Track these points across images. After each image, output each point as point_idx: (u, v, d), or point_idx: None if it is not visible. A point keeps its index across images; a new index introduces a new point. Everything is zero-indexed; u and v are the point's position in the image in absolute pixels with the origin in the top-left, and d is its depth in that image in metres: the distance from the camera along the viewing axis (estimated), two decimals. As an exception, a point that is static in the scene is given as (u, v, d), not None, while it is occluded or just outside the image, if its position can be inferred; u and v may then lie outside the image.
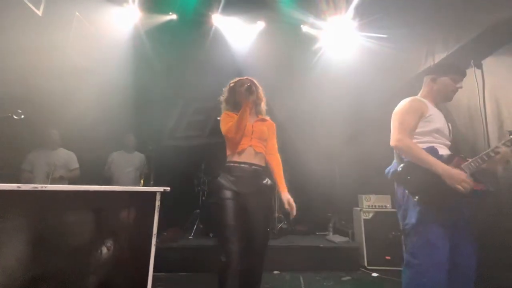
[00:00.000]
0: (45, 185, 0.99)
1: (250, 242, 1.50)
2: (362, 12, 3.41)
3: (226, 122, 1.63)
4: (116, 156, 3.44)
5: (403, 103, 1.58)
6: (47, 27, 2.76)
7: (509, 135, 1.38)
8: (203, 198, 3.83)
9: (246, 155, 1.59)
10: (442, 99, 1.62)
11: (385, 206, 3.15)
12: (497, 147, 1.36)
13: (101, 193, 1.16)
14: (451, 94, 1.59)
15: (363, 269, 2.94)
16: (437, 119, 1.52)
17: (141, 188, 1.32)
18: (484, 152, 1.38)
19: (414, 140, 1.49)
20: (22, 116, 2.01)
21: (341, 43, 3.86)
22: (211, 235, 3.38)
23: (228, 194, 1.53)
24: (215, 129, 1.61)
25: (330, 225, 3.67)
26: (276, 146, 1.77)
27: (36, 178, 2.73)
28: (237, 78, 1.77)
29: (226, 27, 3.87)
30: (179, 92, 4.50)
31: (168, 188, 1.33)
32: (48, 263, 0.99)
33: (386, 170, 1.63)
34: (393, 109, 1.61)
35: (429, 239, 1.34)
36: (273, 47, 3.88)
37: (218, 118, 1.74)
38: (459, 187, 1.29)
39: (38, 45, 2.68)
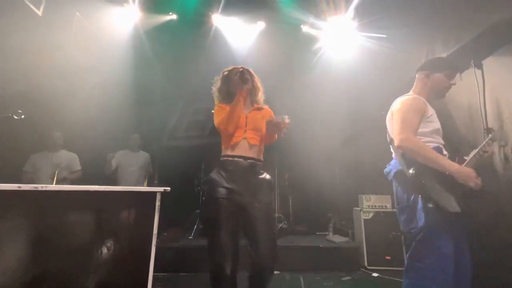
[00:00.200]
0: (46, 185, 0.99)
1: (254, 246, 1.34)
2: (362, 12, 3.41)
3: (219, 114, 1.53)
4: (121, 155, 3.44)
5: (403, 101, 1.50)
6: (47, 27, 2.76)
7: (487, 133, 1.46)
8: (203, 198, 3.82)
9: (240, 148, 1.47)
10: (436, 96, 1.57)
11: (385, 206, 3.15)
12: (484, 146, 1.40)
13: (101, 193, 1.16)
14: (444, 91, 1.56)
15: (363, 269, 2.94)
16: (436, 119, 1.49)
17: (141, 188, 1.31)
18: (475, 152, 1.40)
19: None
20: (23, 116, 2.01)
21: (341, 43, 3.86)
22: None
23: (220, 192, 1.40)
24: (215, 129, 1.56)
25: (330, 225, 3.67)
26: None
27: (39, 180, 2.75)
28: (232, 66, 1.65)
29: (226, 27, 3.87)
30: (179, 92, 4.50)
31: (168, 188, 1.32)
32: (48, 263, 0.99)
33: (385, 171, 1.58)
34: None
35: (438, 245, 1.30)
36: (273, 47, 3.88)
37: (212, 111, 1.63)
38: (472, 184, 1.28)
39: (38, 45, 2.69)
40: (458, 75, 1.59)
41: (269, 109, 1.68)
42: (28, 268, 0.93)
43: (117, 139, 3.57)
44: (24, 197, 0.94)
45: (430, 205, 1.28)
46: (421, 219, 1.34)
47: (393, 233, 2.95)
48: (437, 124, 1.48)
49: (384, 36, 3.27)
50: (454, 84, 1.54)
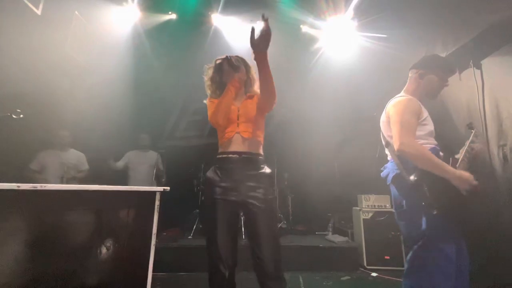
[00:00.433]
0: (45, 185, 0.99)
1: (254, 247, 1.27)
2: (362, 12, 3.42)
3: (210, 108, 1.45)
4: (131, 155, 3.60)
5: (399, 103, 1.45)
6: (46, 26, 2.75)
7: (470, 129, 1.45)
8: (203, 198, 3.82)
9: (234, 143, 1.38)
10: (428, 97, 1.53)
11: (385, 206, 3.15)
12: (472, 141, 1.40)
13: (100, 193, 1.16)
14: (437, 92, 1.52)
15: (362, 269, 2.94)
16: (430, 121, 1.46)
17: (140, 188, 1.31)
18: (464, 150, 1.39)
19: None
20: (21, 116, 2.00)
21: (341, 43, 3.87)
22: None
23: (216, 191, 1.34)
24: (215, 129, 1.53)
25: (330, 225, 3.67)
26: None
27: (47, 179, 2.75)
28: (225, 55, 1.49)
29: (226, 27, 3.87)
30: (179, 92, 4.49)
31: (168, 188, 1.32)
32: (48, 262, 0.98)
33: (382, 174, 1.54)
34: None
35: (441, 250, 1.28)
36: (273, 47, 3.86)
37: (204, 102, 1.53)
38: (472, 189, 1.26)
39: (37, 44, 2.68)
40: (457, 75, 1.58)
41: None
42: (27, 267, 0.93)
43: (117, 138, 3.57)
44: (23, 197, 0.94)
45: (435, 212, 1.25)
46: (422, 224, 1.31)
47: (392, 233, 2.96)
48: (431, 126, 1.45)
49: (384, 36, 3.27)
50: (447, 85, 1.51)
